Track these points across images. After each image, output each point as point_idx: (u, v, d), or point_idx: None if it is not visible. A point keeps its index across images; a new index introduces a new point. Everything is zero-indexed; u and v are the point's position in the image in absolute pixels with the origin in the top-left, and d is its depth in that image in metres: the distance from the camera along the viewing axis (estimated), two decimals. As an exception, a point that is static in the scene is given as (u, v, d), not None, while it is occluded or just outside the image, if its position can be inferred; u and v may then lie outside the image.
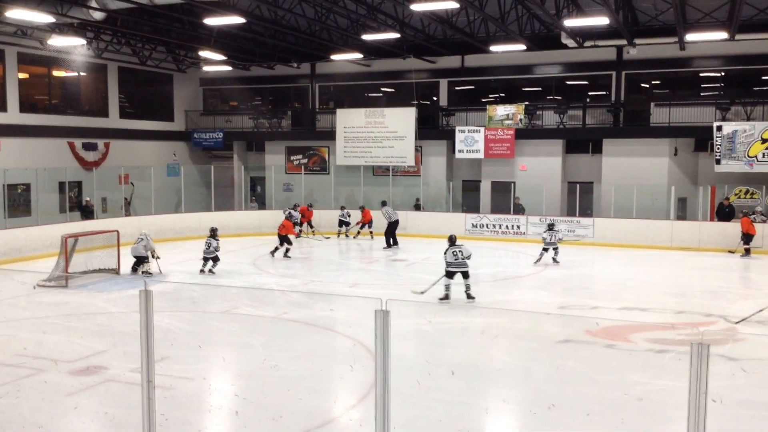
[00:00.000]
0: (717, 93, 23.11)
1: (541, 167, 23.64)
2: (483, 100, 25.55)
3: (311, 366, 8.61)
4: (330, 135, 26.59)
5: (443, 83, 26.29)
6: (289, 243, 17.77)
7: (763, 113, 21.22)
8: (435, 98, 26.54)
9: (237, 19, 17.83)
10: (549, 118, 24.11)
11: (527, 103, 24.17)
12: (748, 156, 20.34)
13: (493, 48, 22.22)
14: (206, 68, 27.42)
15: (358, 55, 24.09)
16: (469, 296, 12.09)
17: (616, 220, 20.87)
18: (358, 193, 24.93)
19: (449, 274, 12.12)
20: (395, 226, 20.24)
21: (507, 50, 22.80)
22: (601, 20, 17.58)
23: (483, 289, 14.38)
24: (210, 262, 15.17)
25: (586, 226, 20.71)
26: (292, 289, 13.57)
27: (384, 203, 21.31)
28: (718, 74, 23.33)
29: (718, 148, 20.64)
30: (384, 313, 4.46)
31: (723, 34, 19.42)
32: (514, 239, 21.48)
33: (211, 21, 17.98)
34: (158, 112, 27.99)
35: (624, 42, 21.63)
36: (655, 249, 19.24)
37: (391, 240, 20.07)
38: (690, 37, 20.22)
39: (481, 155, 23.95)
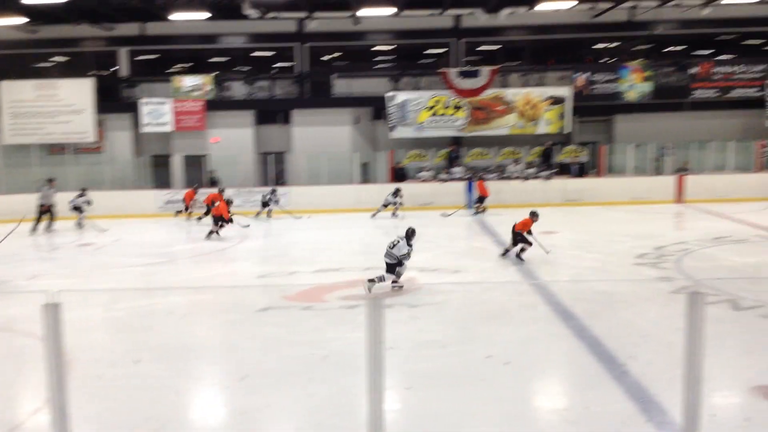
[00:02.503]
0: (389, 65, 25.24)
1: (234, 139, 23.62)
2: (168, 70, 24.56)
3: (-15, 374, 7.60)
4: (-8, 110, 23.38)
5: (123, 52, 24.68)
6: None
7: (428, 83, 23.71)
8: (115, 68, 24.80)
9: None
10: (238, 89, 24.11)
11: (216, 73, 23.83)
12: (418, 123, 22.66)
13: (175, 16, 21.41)
14: None
15: (20, 20, 21.35)
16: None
17: (308, 188, 21.80)
18: (31, 175, 22.34)
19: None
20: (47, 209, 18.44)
21: (189, 18, 22.14)
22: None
23: (181, 267, 14.04)
24: None
25: (282, 194, 21.25)
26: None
27: (50, 181, 19.11)
28: (390, 47, 25.45)
29: (392, 116, 22.63)
30: (52, 307, 4.09)
31: (392, 10, 21.17)
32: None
33: None
34: None
35: (304, 14, 22.41)
36: (344, 212, 20.52)
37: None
38: (363, 12, 21.68)
39: (169, 128, 23.09)
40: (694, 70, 22.58)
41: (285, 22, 23.71)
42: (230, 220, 16.51)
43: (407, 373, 7.23)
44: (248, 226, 17.91)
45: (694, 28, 24.16)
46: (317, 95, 24.20)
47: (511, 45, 25.41)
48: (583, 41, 25.07)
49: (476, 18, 23.47)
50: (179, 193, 21.54)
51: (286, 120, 24.28)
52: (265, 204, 20.14)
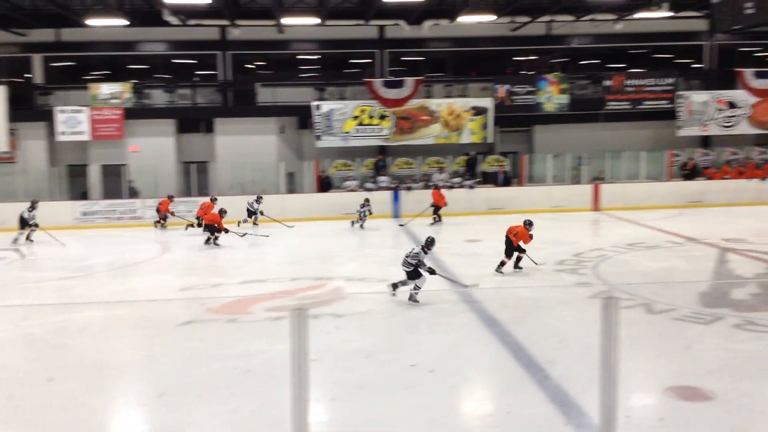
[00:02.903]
0: (314, 74, 25.20)
1: (154, 148, 22.99)
2: (85, 77, 23.74)
3: None
4: None
5: (37, 59, 23.72)
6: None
7: (353, 93, 23.77)
8: (28, 75, 23.79)
9: None
10: (159, 97, 23.54)
11: (135, 81, 23.17)
12: (344, 132, 22.69)
13: (91, 22, 20.74)
14: None
15: None
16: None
17: (233, 198, 21.44)
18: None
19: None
20: None
21: (107, 25, 21.50)
22: None
23: (99, 280, 13.56)
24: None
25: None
26: None
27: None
28: (315, 57, 25.41)
29: (318, 126, 22.57)
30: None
31: (315, 19, 21.15)
32: (131, 224, 20.60)
33: None
34: None
35: (227, 22, 22.12)
36: (270, 222, 20.28)
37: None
38: (287, 20, 21.58)
39: (87, 137, 22.27)
40: (607, 83, 23.48)
41: (207, 29, 23.33)
42: (225, 230, 16.46)
43: (334, 383, 7.19)
44: (267, 236, 17.70)
45: (607, 42, 25.17)
46: (241, 104, 23.87)
47: (434, 56, 25.80)
48: (504, 54, 25.72)
49: (400, 29, 23.74)
50: (96, 204, 20.81)
51: (208, 129, 23.83)
52: (251, 213, 19.72)
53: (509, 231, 12.51)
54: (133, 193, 21.82)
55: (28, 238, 17.51)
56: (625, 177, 23.61)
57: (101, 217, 20.75)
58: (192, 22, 22.25)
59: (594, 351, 5.12)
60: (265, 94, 23.65)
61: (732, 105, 23.62)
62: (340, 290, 11.43)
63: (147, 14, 21.61)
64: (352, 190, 22.15)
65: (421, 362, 7.81)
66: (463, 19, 22.13)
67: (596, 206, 21.57)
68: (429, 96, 23.61)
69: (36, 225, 17.54)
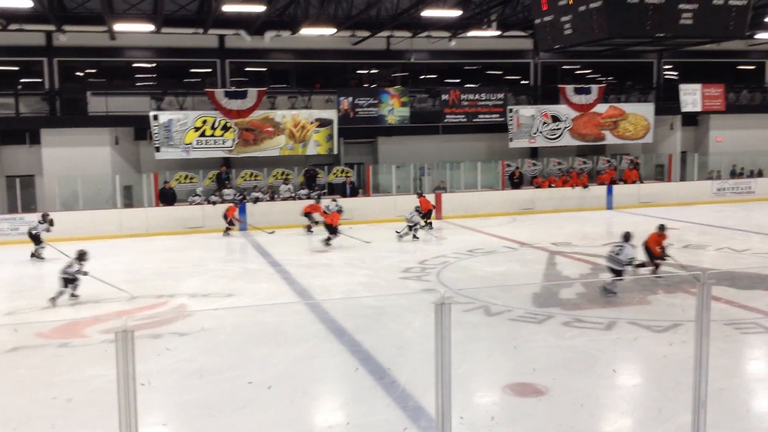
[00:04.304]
0: (151, 83, 24.16)
1: (-29, 161, 20.95)
2: None
3: None
4: None
5: None
6: None
7: (194, 103, 23.07)
8: None
9: None
10: (-24, 107, 21.50)
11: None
12: (185, 143, 21.93)
13: None
14: None
15: None
16: None
17: (63, 213, 19.98)
18: None
19: None
20: None
21: None
22: (25, 3, 16.41)
23: None
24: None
25: (30, 222, 19.22)
26: None
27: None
28: (152, 65, 24.38)
29: (157, 137, 21.65)
30: None
31: (150, 26, 20.32)
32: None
33: None
34: None
35: (53, 27, 20.69)
36: (105, 239, 19.13)
37: None
38: (119, 27, 20.56)
39: None
40: (445, 97, 24.56)
41: (31, 34, 21.65)
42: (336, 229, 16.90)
43: (169, 406, 6.91)
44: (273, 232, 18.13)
45: (443, 58, 26.36)
46: (70, 114, 22.32)
47: (278, 67, 25.67)
48: (347, 67, 26.12)
49: (241, 39, 23.39)
50: None
51: (34, 140, 22.05)
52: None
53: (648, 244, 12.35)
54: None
55: None
56: (464, 186, 24.77)
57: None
58: (13, 26, 20.58)
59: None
60: (98, 104, 22.31)
61: (556, 119, 25.57)
62: (184, 307, 11.00)
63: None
64: (199, 203, 21.34)
65: (267, 378, 7.69)
66: (305, 31, 22.22)
67: (438, 214, 22.42)
68: (273, 107, 23.43)
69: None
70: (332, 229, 16.92)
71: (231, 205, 19.99)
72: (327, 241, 16.94)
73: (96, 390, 7.37)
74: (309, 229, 19.35)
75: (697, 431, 5.05)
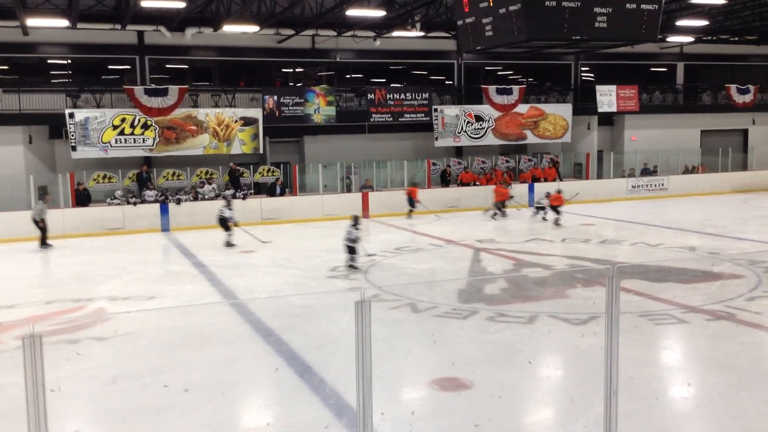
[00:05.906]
0: (67, 80, 23.27)
1: None
2: None
3: None
4: None
5: None
6: None
7: (112, 101, 22.35)
8: None
9: None
10: None
11: None
12: (102, 142, 21.21)
13: None
14: None
15: None
16: None
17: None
18: None
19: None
20: None
21: None
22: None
23: None
24: None
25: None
26: None
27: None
28: (67, 61, 23.48)
29: (73, 135, 20.87)
30: None
31: (65, 22, 19.57)
32: None
33: None
34: None
35: (-42, 20, 19.64)
36: (17, 242, 18.29)
37: None
38: (32, 22, 19.74)
39: None
40: (371, 97, 24.66)
41: (-67, 26, 20.52)
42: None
43: (83, 414, 6.72)
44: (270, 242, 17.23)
45: (369, 58, 26.46)
46: (-19, 112, 21.28)
47: (200, 65, 25.17)
48: (272, 65, 25.87)
49: (162, 35, 22.81)
50: None
51: (-62, 139, 20.91)
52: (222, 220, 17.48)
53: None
54: None
55: None
56: (390, 184, 24.94)
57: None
58: None
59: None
60: (9, 101, 21.32)
61: (479, 118, 26.07)
62: (103, 311, 10.67)
63: None
64: (118, 204, 20.66)
65: (188, 382, 7.54)
66: (228, 28, 21.87)
67: (366, 213, 22.50)
68: (196, 105, 22.95)
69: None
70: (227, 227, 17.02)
71: (412, 186, 22.44)
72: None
73: (11, 399, 7.06)
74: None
75: (609, 419, 5.27)
